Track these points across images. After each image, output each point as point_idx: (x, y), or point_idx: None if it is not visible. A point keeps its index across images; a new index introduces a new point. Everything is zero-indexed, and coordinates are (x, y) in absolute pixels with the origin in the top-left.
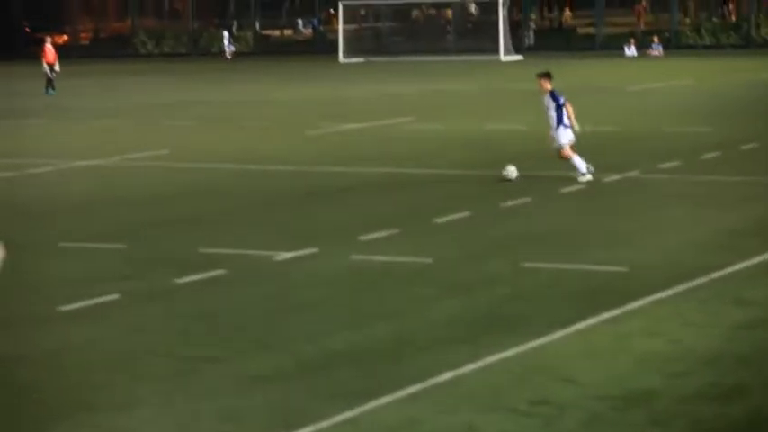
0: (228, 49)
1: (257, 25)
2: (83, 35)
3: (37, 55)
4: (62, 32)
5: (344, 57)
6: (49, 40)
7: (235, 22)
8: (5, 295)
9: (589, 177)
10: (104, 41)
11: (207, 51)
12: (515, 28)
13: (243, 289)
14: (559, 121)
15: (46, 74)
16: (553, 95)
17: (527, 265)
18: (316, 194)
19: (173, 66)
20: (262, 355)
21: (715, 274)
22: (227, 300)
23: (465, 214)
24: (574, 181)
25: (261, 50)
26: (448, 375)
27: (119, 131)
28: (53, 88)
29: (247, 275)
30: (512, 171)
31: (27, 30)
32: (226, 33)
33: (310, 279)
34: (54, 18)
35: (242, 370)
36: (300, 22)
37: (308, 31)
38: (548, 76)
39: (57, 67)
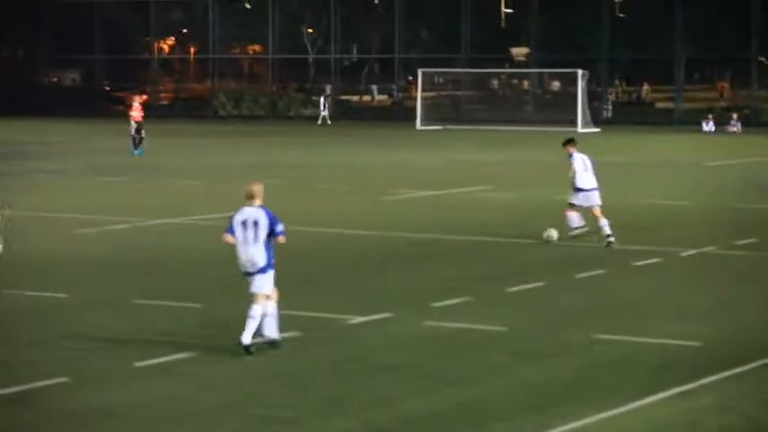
0: (324, 113)
1: (336, 90)
2: (163, 95)
3: (121, 113)
4: (142, 92)
5: (422, 123)
6: (136, 99)
7: (313, 86)
8: (84, 350)
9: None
10: (184, 102)
11: (284, 115)
12: (594, 100)
13: (316, 351)
14: (573, 183)
15: (132, 133)
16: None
17: (600, 336)
18: (390, 259)
19: (251, 128)
20: (334, 418)
21: None
22: (300, 361)
23: (539, 284)
24: (647, 254)
25: (339, 115)
26: None
27: (197, 191)
28: (138, 148)
29: (321, 338)
30: (553, 233)
31: (107, 89)
32: (322, 99)
33: (383, 344)
34: (135, 78)
35: None
36: (375, 87)
37: (382, 97)
38: (566, 142)
39: (136, 120)
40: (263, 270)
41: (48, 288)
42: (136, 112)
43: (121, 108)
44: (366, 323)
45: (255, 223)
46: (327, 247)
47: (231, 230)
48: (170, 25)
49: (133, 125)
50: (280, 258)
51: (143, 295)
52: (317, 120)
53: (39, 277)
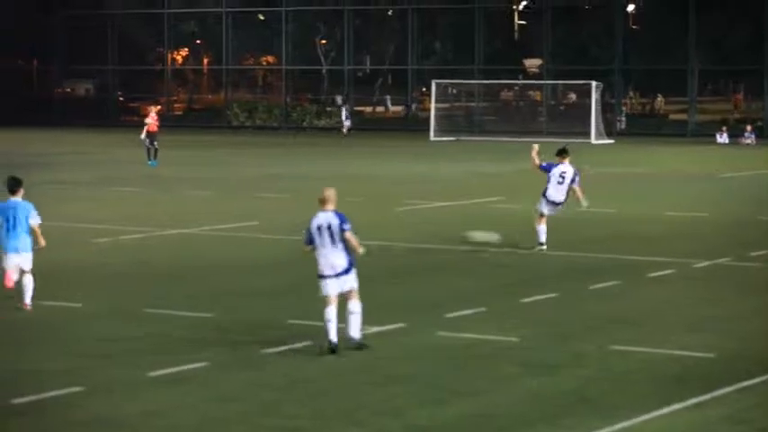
0: (346, 123)
1: (349, 101)
2: (176, 105)
3: (135, 124)
4: (157, 103)
5: (435, 135)
6: (152, 109)
7: (333, 98)
8: (97, 359)
9: (542, 249)
10: (197, 112)
11: (298, 125)
12: (607, 112)
13: (330, 361)
14: (544, 189)
15: (147, 144)
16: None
17: (613, 347)
18: (404, 270)
19: (264, 139)
20: (347, 429)
21: None
22: (313, 371)
23: (553, 295)
24: (661, 265)
25: (352, 126)
26: None
27: (210, 202)
28: (153, 159)
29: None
30: (478, 235)
31: (121, 99)
32: (344, 110)
33: (397, 354)
34: (148, 88)
35: None
36: (388, 98)
37: (396, 108)
38: (559, 152)
39: (150, 131)
40: (345, 272)
41: (62, 297)
42: (151, 121)
43: (136, 118)
44: (379, 333)
45: (329, 227)
46: None
47: (309, 241)
48: (184, 36)
49: (144, 134)
50: (292, 269)
51: (156, 305)
52: (343, 129)
53: (53, 287)
